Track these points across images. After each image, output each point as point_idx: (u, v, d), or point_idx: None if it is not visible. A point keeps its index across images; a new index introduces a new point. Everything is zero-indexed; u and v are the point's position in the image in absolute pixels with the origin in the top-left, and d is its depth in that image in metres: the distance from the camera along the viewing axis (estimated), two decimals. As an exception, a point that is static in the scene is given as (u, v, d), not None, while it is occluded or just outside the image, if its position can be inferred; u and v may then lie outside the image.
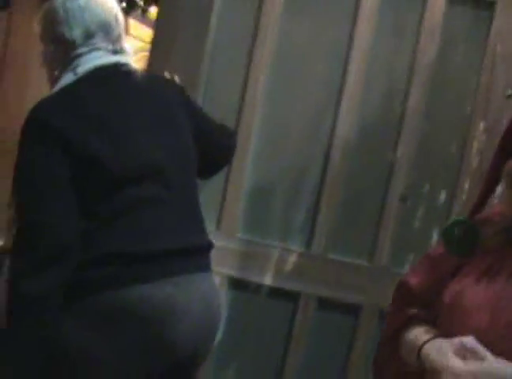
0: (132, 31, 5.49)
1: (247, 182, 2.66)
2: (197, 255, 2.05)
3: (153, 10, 5.06)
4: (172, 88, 2.19)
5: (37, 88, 2.05)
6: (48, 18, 2.05)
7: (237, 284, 2.67)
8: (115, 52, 2.04)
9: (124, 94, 2.03)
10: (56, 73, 2.04)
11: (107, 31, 2.03)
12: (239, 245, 2.66)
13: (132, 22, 5.41)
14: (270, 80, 2.63)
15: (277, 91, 2.64)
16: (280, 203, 2.68)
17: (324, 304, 2.67)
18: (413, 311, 1.47)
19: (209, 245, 2.12)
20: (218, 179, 2.55)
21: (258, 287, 2.67)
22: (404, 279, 1.53)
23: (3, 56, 3.77)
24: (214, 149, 2.26)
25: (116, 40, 2.05)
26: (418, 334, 1.41)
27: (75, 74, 1.99)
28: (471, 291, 1.35)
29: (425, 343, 1.35)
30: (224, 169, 2.47)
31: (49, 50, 2.06)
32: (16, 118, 1.96)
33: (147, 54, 5.64)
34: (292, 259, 2.65)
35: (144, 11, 5.12)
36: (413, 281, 1.49)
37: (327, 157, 2.63)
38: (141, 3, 4.91)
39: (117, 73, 2.03)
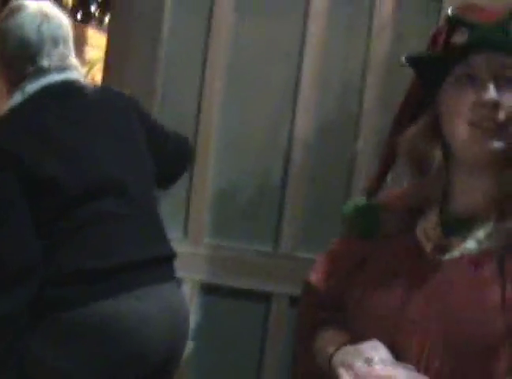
0: (91, 40, 5.48)
1: (211, 187, 2.66)
2: (159, 266, 2.06)
3: (109, 18, 5.06)
4: (124, 100, 2.20)
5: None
6: None
7: (208, 289, 2.68)
8: (63, 69, 2.03)
9: (76, 110, 2.03)
10: (5, 90, 2.03)
11: (53, 48, 1.99)
12: (207, 250, 2.66)
13: (90, 32, 5.40)
14: (226, 83, 2.63)
15: (234, 95, 2.64)
16: (245, 205, 2.69)
17: (296, 302, 2.68)
18: (321, 314, 1.40)
19: (172, 255, 2.13)
20: (181, 187, 2.56)
21: (229, 291, 2.68)
22: (307, 278, 1.45)
23: None
24: (169, 158, 2.27)
25: (63, 57, 2.03)
26: (325, 343, 1.35)
27: (23, 94, 1.98)
28: (370, 298, 1.29)
29: (332, 355, 1.28)
30: (186, 176, 2.48)
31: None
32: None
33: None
34: (261, 260, 2.66)
35: (101, 20, 5.12)
36: (315, 280, 1.42)
37: (288, 157, 2.64)
38: (96, 13, 4.91)
39: (67, 89, 2.03)
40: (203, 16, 2.62)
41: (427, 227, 1.29)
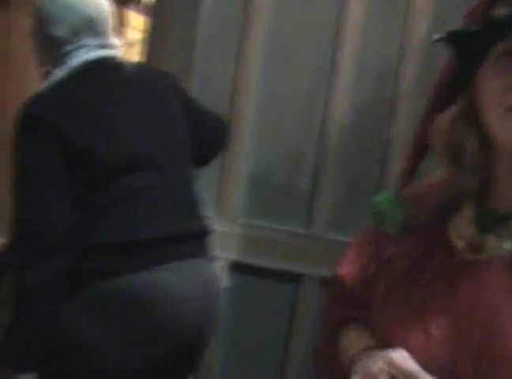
0: (129, 22, 5.51)
1: (245, 167, 2.68)
2: (193, 241, 2.08)
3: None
4: (163, 78, 2.22)
5: (38, 86, 2.11)
6: (35, 16, 2.08)
7: (239, 268, 2.70)
8: (103, 47, 2.07)
9: (114, 87, 2.06)
10: (46, 69, 2.07)
11: (93, 28, 2.05)
12: (239, 229, 2.68)
13: (130, 13, 5.43)
14: (262, 64, 2.65)
15: (270, 75, 2.65)
16: (278, 186, 2.70)
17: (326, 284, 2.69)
18: (347, 311, 1.34)
19: (206, 231, 2.15)
20: (216, 165, 2.58)
21: (261, 270, 2.70)
22: (336, 271, 1.38)
23: (5, 54, 3.79)
24: (207, 137, 2.29)
25: (103, 35, 2.07)
26: (350, 343, 1.29)
27: (64, 70, 2.02)
28: (396, 297, 1.21)
29: (355, 357, 1.22)
30: (221, 155, 2.50)
31: (37, 46, 2.09)
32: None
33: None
34: (294, 241, 2.67)
35: (140, 0, 5.13)
36: (343, 274, 1.36)
37: (323, 138, 2.64)
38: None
39: (105, 66, 2.06)
40: (242, -3, 2.64)
41: (461, 224, 1.20)
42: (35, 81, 2.22)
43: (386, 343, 1.18)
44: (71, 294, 1.93)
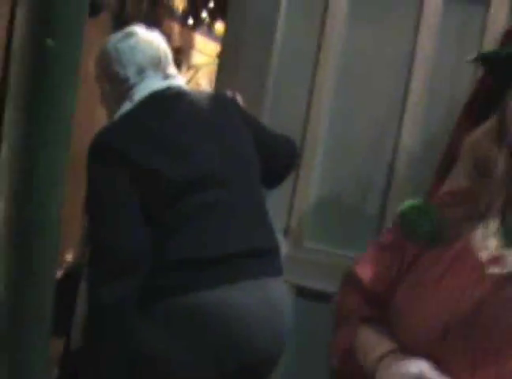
0: (198, 46, 5.60)
1: (314, 192, 2.70)
2: (264, 258, 2.11)
3: (219, 25, 5.17)
4: (228, 104, 2.30)
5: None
6: (102, 60, 2.20)
7: (303, 292, 2.71)
8: (166, 78, 2.18)
9: (179, 111, 2.15)
10: (114, 107, 2.18)
11: (156, 66, 2.17)
12: (306, 253, 2.70)
13: (198, 37, 5.52)
14: (335, 90, 2.68)
15: (342, 102, 2.68)
16: (346, 212, 2.71)
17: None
18: (365, 310, 1.35)
19: (277, 248, 2.18)
20: (285, 188, 2.61)
21: (324, 296, 2.70)
22: (354, 269, 1.39)
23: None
24: (276, 159, 2.33)
25: (165, 69, 2.20)
26: (370, 344, 1.30)
27: (131, 101, 2.13)
28: (418, 304, 1.24)
29: (379, 364, 1.24)
30: (290, 178, 2.53)
31: (106, 89, 2.21)
32: (86, 135, 2.12)
33: (213, 68, 5.75)
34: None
35: (210, 26, 5.22)
36: (362, 272, 1.36)
37: (392, 167, 2.65)
38: (207, 19, 5.02)
39: (170, 94, 2.17)
40: (316, 24, 2.67)
41: (485, 236, 1.23)
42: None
43: (408, 340, 1.20)
44: (145, 311, 1.97)
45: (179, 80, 2.24)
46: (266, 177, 2.27)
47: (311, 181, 2.69)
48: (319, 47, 2.67)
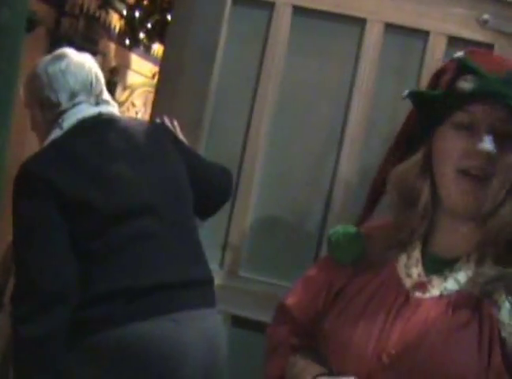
0: (134, 66, 5.56)
1: (250, 221, 2.67)
2: (197, 289, 2.07)
3: (156, 46, 5.14)
4: (161, 132, 2.27)
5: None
6: (32, 84, 2.15)
7: (239, 322, 2.68)
8: (97, 104, 2.14)
9: (109, 139, 2.11)
10: (44, 134, 2.13)
11: (89, 89, 2.13)
12: (241, 283, 2.67)
13: (135, 57, 5.48)
14: (274, 119, 2.66)
15: (281, 131, 2.67)
16: (282, 242, 2.69)
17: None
18: (294, 340, 1.41)
19: (211, 279, 2.15)
20: (221, 218, 2.57)
21: (260, 325, 2.67)
22: (284, 301, 1.46)
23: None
24: (210, 189, 2.30)
25: (98, 94, 2.16)
26: (299, 371, 1.35)
27: (61, 128, 2.09)
28: (348, 330, 1.29)
29: None
30: (226, 208, 2.50)
31: (37, 114, 2.15)
32: (15, 162, 2.08)
33: (149, 89, 5.71)
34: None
35: (148, 47, 5.19)
36: (291, 304, 1.43)
37: (329, 198, 2.64)
38: (145, 40, 4.99)
39: (100, 121, 2.13)
40: (256, 52, 2.66)
41: (409, 263, 1.31)
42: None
43: (339, 367, 1.27)
44: (72, 345, 1.92)
45: (111, 106, 2.20)
46: (200, 207, 2.24)
47: (248, 211, 2.66)
48: (259, 75, 2.65)
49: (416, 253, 1.31)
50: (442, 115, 1.27)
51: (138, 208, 2.03)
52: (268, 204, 2.68)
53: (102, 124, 2.13)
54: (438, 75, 1.31)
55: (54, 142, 2.08)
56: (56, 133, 2.08)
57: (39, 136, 2.18)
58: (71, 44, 3.17)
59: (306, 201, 2.68)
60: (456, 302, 1.24)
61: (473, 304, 1.23)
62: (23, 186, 1.99)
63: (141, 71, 5.64)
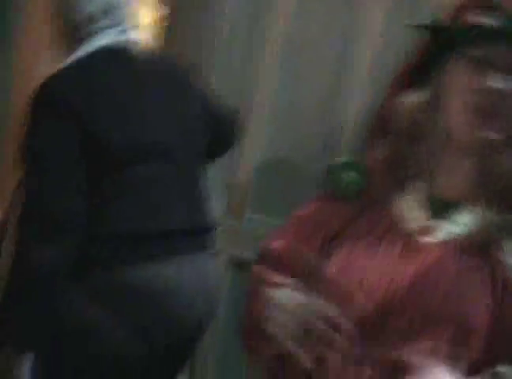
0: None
1: (257, 163, 2.69)
2: (201, 235, 2.10)
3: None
4: (181, 69, 2.22)
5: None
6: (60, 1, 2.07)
7: (244, 264, 2.68)
8: (124, 31, 2.06)
9: (134, 72, 2.05)
10: (66, 49, 2.05)
11: (114, 11, 2.04)
12: (246, 224, 2.69)
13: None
14: (282, 59, 2.66)
15: (289, 71, 2.67)
16: (290, 184, 2.68)
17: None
18: (277, 280, 1.28)
19: (213, 226, 2.17)
20: (228, 160, 2.57)
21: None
22: (268, 245, 1.36)
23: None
24: (220, 130, 2.27)
25: (125, 19, 2.07)
26: None
27: (85, 51, 2.01)
28: (358, 268, 1.24)
29: None
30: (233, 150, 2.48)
31: (59, 27, 2.08)
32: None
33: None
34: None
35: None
36: (278, 247, 1.33)
37: (338, 137, 2.63)
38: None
39: (127, 51, 2.05)
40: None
41: (410, 205, 1.28)
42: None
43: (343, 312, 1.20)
44: (78, 280, 1.93)
45: (139, 34, 2.12)
46: (210, 148, 2.23)
47: (253, 153, 2.68)
48: (268, 12, 2.65)
49: (419, 195, 1.28)
50: (457, 49, 1.24)
51: (152, 150, 2.02)
52: (275, 146, 2.69)
53: (129, 54, 2.05)
54: (458, 9, 1.26)
55: (78, 63, 2.00)
56: (80, 55, 2.01)
57: (60, 53, 2.10)
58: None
59: (314, 142, 2.68)
60: (463, 245, 1.23)
61: (481, 248, 1.22)
62: (42, 107, 1.93)
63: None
